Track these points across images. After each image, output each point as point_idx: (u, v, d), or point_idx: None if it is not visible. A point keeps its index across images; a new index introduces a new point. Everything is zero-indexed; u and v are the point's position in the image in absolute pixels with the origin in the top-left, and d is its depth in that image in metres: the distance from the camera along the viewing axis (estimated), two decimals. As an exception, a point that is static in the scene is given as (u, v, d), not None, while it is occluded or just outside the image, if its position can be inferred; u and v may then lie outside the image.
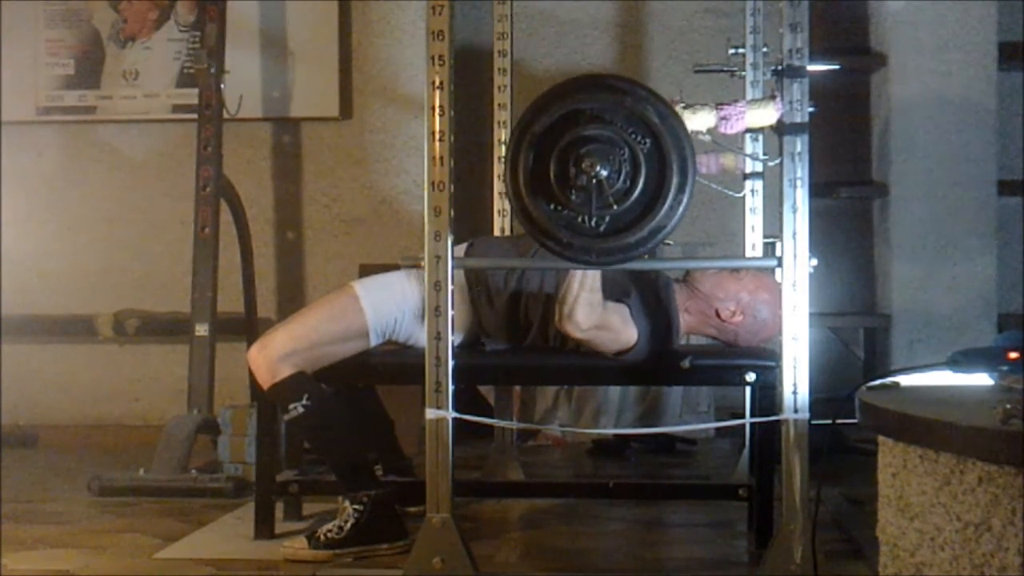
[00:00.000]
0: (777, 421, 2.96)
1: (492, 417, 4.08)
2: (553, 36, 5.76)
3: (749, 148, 4.09)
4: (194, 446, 4.42)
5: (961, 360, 2.31)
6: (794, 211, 2.91)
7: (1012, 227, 5.39)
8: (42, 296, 5.48)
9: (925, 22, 5.14)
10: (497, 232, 4.28)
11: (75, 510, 4.01)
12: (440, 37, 2.97)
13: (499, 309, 3.46)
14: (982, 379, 2.31)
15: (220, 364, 4.67)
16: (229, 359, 4.91)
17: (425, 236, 2.99)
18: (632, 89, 2.91)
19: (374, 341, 3.47)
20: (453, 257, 3.01)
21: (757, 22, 4.16)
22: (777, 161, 2.97)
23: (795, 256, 2.92)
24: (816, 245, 2.95)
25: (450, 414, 2.98)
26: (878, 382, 2.35)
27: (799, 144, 2.91)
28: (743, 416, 3.80)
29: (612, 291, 3.35)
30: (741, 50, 4.16)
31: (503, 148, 4.26)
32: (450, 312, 2.99)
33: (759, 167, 4.13)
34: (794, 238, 2.92)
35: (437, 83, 2.98)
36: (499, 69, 4.30)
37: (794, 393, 2.91)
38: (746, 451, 3.93)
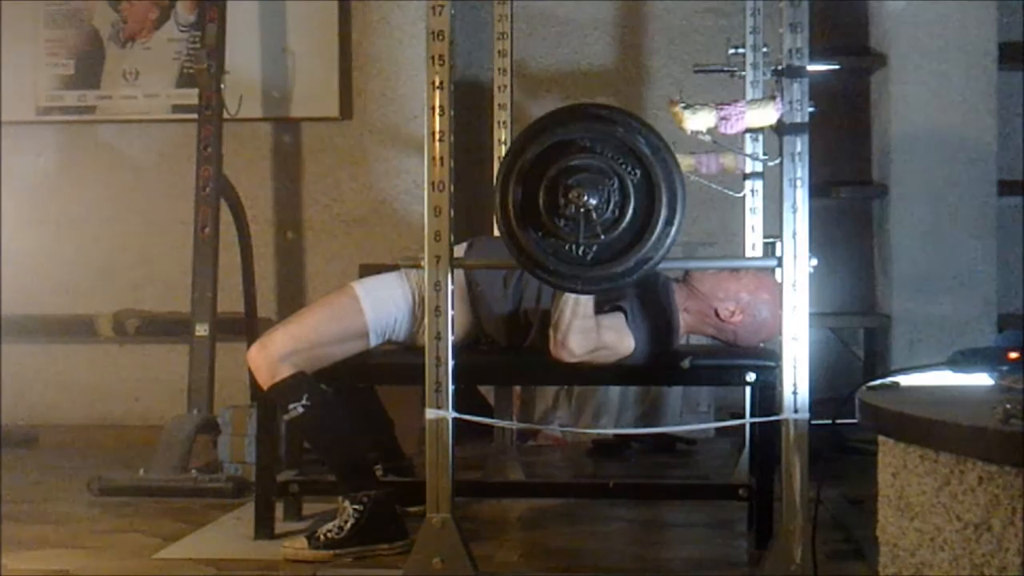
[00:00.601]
0: (777, 421, 2.96)
1: (492, 417, 4.08)
2: (553, 36, 5.76)
3: (749, 148, 4.09)
4: (194, 446, 4.43)
5: (961, 360, 2.31)
6: (794, 211, 2.91)
7: (1012, 227, 5.39)
8: (42, 296, 5.48)
9: (925, 22, 5.13)
10: (497, 232, 4.27)
11: (75, 510, 4.01)
12: (440, 37, 2.97)
13: (499, 309, 3.46)
14: (982, 379, 2.30)
15: (220, 364, 4.67)
16: (229, 359, 4.90)
17: (425, 236, 2.99)
18: (624, 120, 2.92)
19: (374, 341, 3.47)
20: (453, 257, 3.01)
21: (757, 22, 4.16)
22: (777, 161, 2.97)
23: (795, 256, 2.92)
24: (816, 245, 2.95)
25: (450, 414, 2.98)
26: (878, 382, 2.35)
27: (799, 144, 2.90)
28: (743, 416, 3.80)
29: (609, 293, 3.35)
30: (741, 50, 4.16)
31: (503, 148, 4.27)
32: (450, 312, 2.99)
33: (759, 167, 4.13)
34: (794, 238, 2.91)
35: (437, 83, 2.98)
36: (499, 69, 4.30)
37: (794, 393, 2.91)
38: (746, 451, 3.93)
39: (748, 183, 4.20)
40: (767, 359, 3.37)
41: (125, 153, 5.57)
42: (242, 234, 4.96)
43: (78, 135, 5.58)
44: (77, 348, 5.50)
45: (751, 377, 3.35)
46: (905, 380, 2.33)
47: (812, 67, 2.92)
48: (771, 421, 3.07)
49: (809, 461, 2.90)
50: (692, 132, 2.94)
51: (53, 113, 5.56)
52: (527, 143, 2.91)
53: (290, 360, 3.39)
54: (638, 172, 2.88)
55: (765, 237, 4.15)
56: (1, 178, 5.41)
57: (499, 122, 4.31)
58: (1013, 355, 2.25)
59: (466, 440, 4.07)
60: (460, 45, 5.17)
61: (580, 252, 2.89)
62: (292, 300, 5.40)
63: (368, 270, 4.51)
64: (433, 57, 2.98)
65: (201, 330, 4.60)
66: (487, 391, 4.63)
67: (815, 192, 3.08)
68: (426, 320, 3.01)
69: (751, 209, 4.19)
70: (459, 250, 3.35)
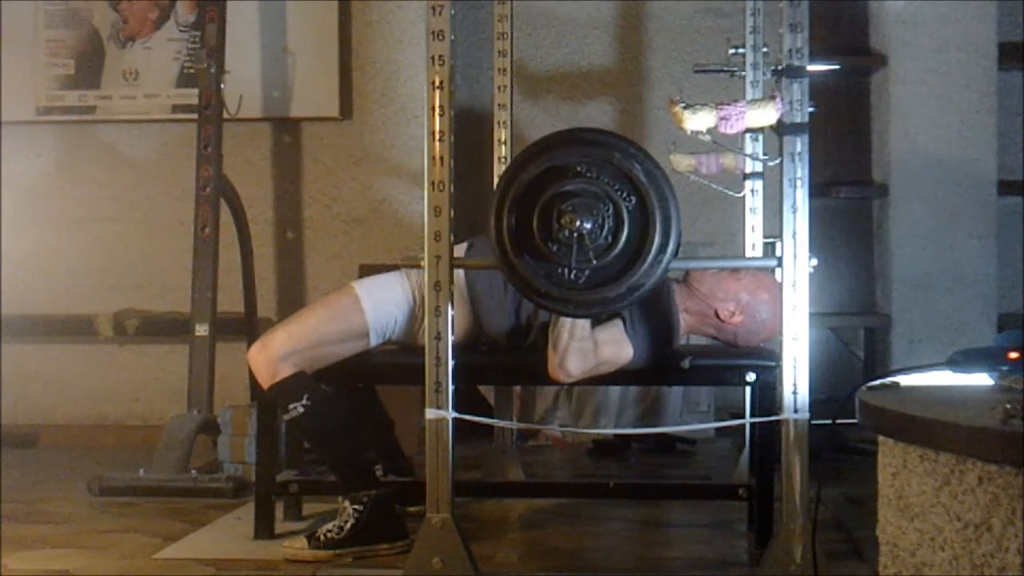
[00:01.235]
0: (777, 421, 2.96)
1: (492, 417, 4.08)
2: (553, 36, 5.76)
3: (749, 148, 4.09)
4: (194, 446, 4.43)
5: (961, 360, 2.31)
6: (794, 211, 2.91)
7: (1012, 227, 5.39)
8: (42, 296, 5.48)
9: (925, 22, 5.14)
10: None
11: (75, 510, 4.01)
12: (440, 37, 2.97)
13: (499, 310, 3.45)
14: (982, 379, 2.30)
15: (220, 364, 4.67)
16: (229, 359, 4.91)
17: (425, 236, 2.99)
18: (620, 145, 2.93)
19: (374, 341, 3.47)
20: (453, 257, 3.01)
21: (757, 22, 4.16)
22: (777, 161, 2.97)
23: (795, 256, 2.91)
24: (816, 245, 2.95)
25: (450, 414, 2.98)
26: (878, 382, 2.35)
27: (799, 144, 2.90)
28: (743, 416, 3.80)
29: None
30: (741, 50, 4.16)
31: (503, 148, 4.27)
32: (450, 312, 2.99)
33: (759, 167, 4.13)
34: (794, 238, 2.91)
35: (437, 83, 2.98)
36: (499, 69, 4.30)
37: (794, 393, 2.91)
38: (746, 451, 3.93)
39: (748, 183, 4.20)
40: (767, 359, 3.37)
41: (125, 153, 5.57)
42: (242, 234, 4.96)
43: (78, 135, 5.58)
44: (77, 348, 5.50)
45: (751, 377, 3.35)
46: (905, 380, 2.33)
47: (812, 67, 2.92)
48: (771, 421, 3.07)
49: (809, 461, 2.90)
50: (692, 132, 2.94)
51: (53, 113, 5.56)
52: (523, 167, 2.92)
53: (290, 360, 3.39)
54: (633, 198, 2.89)
55: (765, 237, 4.15)
56: (1, 178, 5.42)
57: (499, 122, 4.30)
58: (1013, 355, 2.25)
59: (466, 440, 4.07)
60: (460, 45, 5.17)
61: (572, 276, 2.90)
62: (292, 300, 5.40)
63: (368, 270, 4.52)
64: (433, 57, 2.98)
65: (201, 330, 4.60)
66: (487, 391, 4.64)
67: (815, 192, 3.08)
68: (426, 320, 3.02)
69: (751, 209, 4.19)
70: (459, 250, 3.34)
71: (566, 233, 2.85)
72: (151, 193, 5.53)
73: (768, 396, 3.28)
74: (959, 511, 1.92)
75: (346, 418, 3.52)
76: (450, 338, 2.99)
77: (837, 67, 4.04)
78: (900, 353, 5.09)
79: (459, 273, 3.28)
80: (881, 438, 2.16)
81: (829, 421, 2.44)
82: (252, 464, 3.99)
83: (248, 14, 5.38)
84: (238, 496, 4.14)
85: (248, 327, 4.92)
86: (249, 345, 3.59)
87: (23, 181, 5.50)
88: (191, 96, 5.06)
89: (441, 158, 2.98)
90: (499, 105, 4.31)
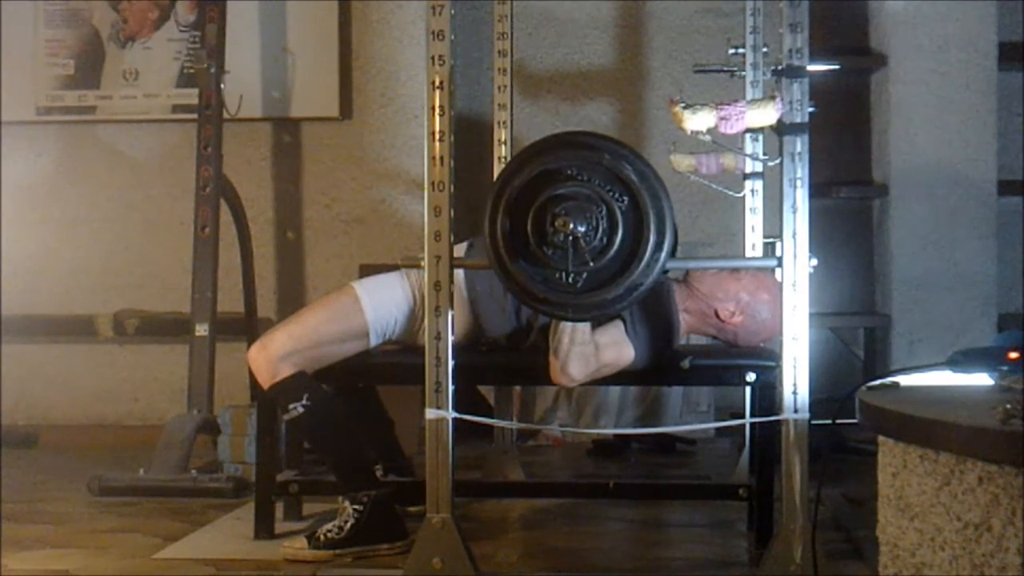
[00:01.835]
0: (777, 421, 2.96)
1: (492, 417, 4.08)
2: (553, 36, 5.76)
3: (749, 148, 4.09)
4: (194, 446, 4.43)
5: (961, 360, 2.31)
6: (794, 211, 2.91)
7: (1012, 227, 5.40)
8: (42, 296, 5.48)
9: (925, 22, 5.14)
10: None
11: (75, 510, 4.01)
12: (440, 37, 2.97)
13: (499, 310, 3.45)
14: (982, 379, 2.30)
15: (220, 364, 4.67)
16: (229, 359, 4.91)
17: (425, 236, 2.99)
18: (610, 147, 2.93)
19: (374, 341, 3.47)
20: (453, 257, 3.01)
21: (757, 22, 4.16)
22: (777, 161, 2.97)
23: (795, 256, 2.91)
24: (816, 245, 2.95)
25: (450, 414, 2.98)
26: (878, 382, 2.35)
27: (799, 144, 2.90)
28: (743, 416, 3.80)
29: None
30: (741, 50, 4.16)
31: (503, 148, 4.27)
32: (450, 312, 2.99)
33: (759, 167, 4.13)
34: (794, 238, 2.91)
35: (437, 83, 2.98)
36: (499, 69, 4.30)
37: (794, 393, 2.91)
38: (746, 451, 3.93)
39: (748, 183, 4.20)
40: (767, 359, 3.37)
41: (125, 153, 5.57)
42: (242, 234, 4.96)
43: (78, 135, 5.58)
44: (77, 348, 5.50)
45: (751, 377, 3.35)
46: (905, 380, 2.33)
47: (812, 67, 2.92)
48: (771, 421, 3.07)
49: (809, 461, 2.90)
50: (692, 132, 2.94)
51: (53, 113, 5.56)
52: (514, 173, 2.92)
53: (290, 360, 3.39)
54: (625, 199, 2.89)
55: (765, 237, 4.15)
56: (1, 178, 5.42)
57: (499, 122, 4.30)
58: (1013, 355, 2.25)
59: (466, 440, 4.07)
60: (460, 45, 5.17)
61: (570, 280, 2.89)
62: (292, 300, 5.40)
63: (368, 270, 4.51)
64: (433, 57, 2.98)
65: (201, 330, 4.60)
66: (487, 391, 4.64)
67: (815, 192, 3.08)
68: (426, 320, 3.02)
69: (751, 209, 4.19)
70: (459, 250, 3.34)
71: (561, 237, 2.85)
72: (151, 193, 5.53)
73: (768, 396, 3.28)
74: (959, 511, 1.92)
75: (346, 418, 3.52)
76: (450, 338, 2.99)
77: (837, 67, 4.03)
78: (900, 353, 5.09)
79: (459, 273, 3.28)
80: (881, 438, 2.16)
81: (829, 421, 2.44)
82: (252, 464, 3.99)
83: (248, 14, 5.39)
84: (238, 496, 4.14)
85: (248, 327, 4.92)
86: (249, 345, 3.59)
87: (23, 181, 5.50)
88: (191, 96, 5.06)
89: (441, 158, 2.98)
90: (499, 105, 4.31)
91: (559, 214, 2.85)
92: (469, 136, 5.13)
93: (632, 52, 5.77)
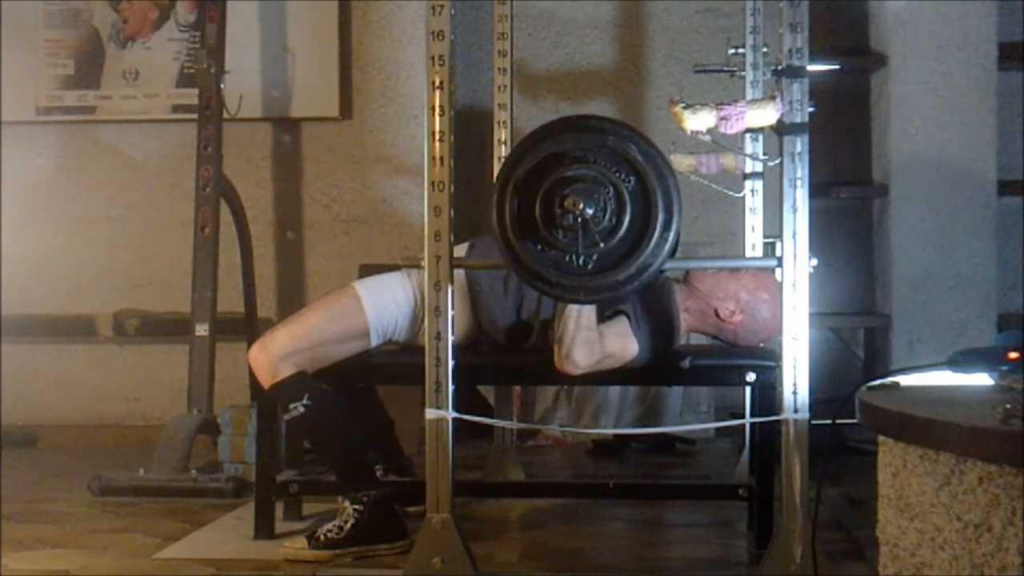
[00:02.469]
0: (777, 421, 2.96)
1: (492, 417, 4.08)
2: (553, 36, 5.76)
3: (749, 148, 4.09)
4: (194, 446, 4.43)
5: (961, 360, 2.31)
6: (794, 211, 2.91)
7: (1012, 227, 5.40)
8: (42, 296, 5.48)
9: (925, 22, 5.14)
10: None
11: (75, 510, 4.01)
12: (440, 37, 2.97)
13: (500, 310, 3.45)
14: (982, 379, 2.30)
15: (220, 364, 4.67)
16: (229, 359, 4.91)
17: (425, 236, 2.99)
18: (614, 129, 2.93)
19: (375, 341, 3.47)
20: (453, 257, 3.01)
21: (757, 22, 4.16)
22: (777, 161, 2.97)
23: (795, 256, 2.92)
24: (816, 245, 2.95)
25: (450, 414, 2.98)
26: (878, 382, 2.35)
27: (799, 144, 2.91)
28: (743, 416, 3.80)
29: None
30: (741, 50, 4.16)
31: (503, 148, 4.27)
32: (450, 312, 2.99)
33: (759, 167, 4.13)
34: (794, 238, 2.91)
35: (437, 83, 2.98)
36: (499, 69, 4.30)
37: (794, 393, 2.91)
38: (746, 451, 3.93)
39: (748, 183, 4.20)
40: (767, 359, 3.37)
41: (125, 153, 5.57)
42: (242, 234, 4.96)
43: (78, 135, 5.58)
44: (77, 348, 5.50)
45: (751, 377, 3.35)
46: (905, 380, 2.33)
47: (812, 67, 2.92)
48: (771, 421, 3.07)
49: (809, 461, 2.90)
50: (692, 132, 2.94)
51: (53, 113, 5.56)
52: (519, 158, 2.92)
53: (291, 359, 3.39)
54: (632, 179, 2.89)
55: (765, 237, 4.15)
56: (1, 178, 5.42)
57: (499, 122, 4.31)
58: (1013, 355, 2.25)
59: (466, 440, 4.07)
60: (460, 45, 5.17)
61: (581, 262, 2.89)
62: (292, 300, 5.40)
63: (368, 270, 4.51)
64: (433, 57, 2.98)
65: (201, 330, 4.60)
66: (487, 391, 4.64)
67: (815, 192, 3.08)
68: (426, 320, 3.01)
69: (751, 209, 4.19)
70: (461, 250, 3.35)
71: (570, 219, 2.85)
72: (151, 193, 5.53)
73: (768, 396, 3.28)
74: (959, 511, 1.92)
75: (346, 418, 3.52)
76: (450, 338, 2.99)
77: (837, 67, 4.03)
78: (900, 353, 5.09)
79: (460, 273, 3.28)
80: (881, 438, 2.16)
81: (829, 421, 2.44)
82: (252, 464, 3.99)
83: (248, 14, 5.39)
84: (238, 496, 4.14)
85: (248, 327, 4.92)
86: (249, 345, 3.59)
87: (23, 181, 5.50)
88: (191, 96, 5.06)
89: (441, 158, 2.98)
90: (499, 105, 4.32)
91: (567, 196, 2.85)
92: (469, 136, 5.13)
93: (632, 52, 5.77)
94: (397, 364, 3.50)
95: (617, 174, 2.88)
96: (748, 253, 4.17)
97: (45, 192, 5.55)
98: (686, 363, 3.36)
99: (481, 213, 4.48)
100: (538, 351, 3.43)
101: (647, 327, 3.33)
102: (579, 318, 3.22)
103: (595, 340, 3.24)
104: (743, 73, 4.16)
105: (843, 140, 5.51)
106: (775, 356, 3.29)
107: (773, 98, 2.92)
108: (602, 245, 2.88)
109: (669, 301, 3.46)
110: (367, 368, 3.50)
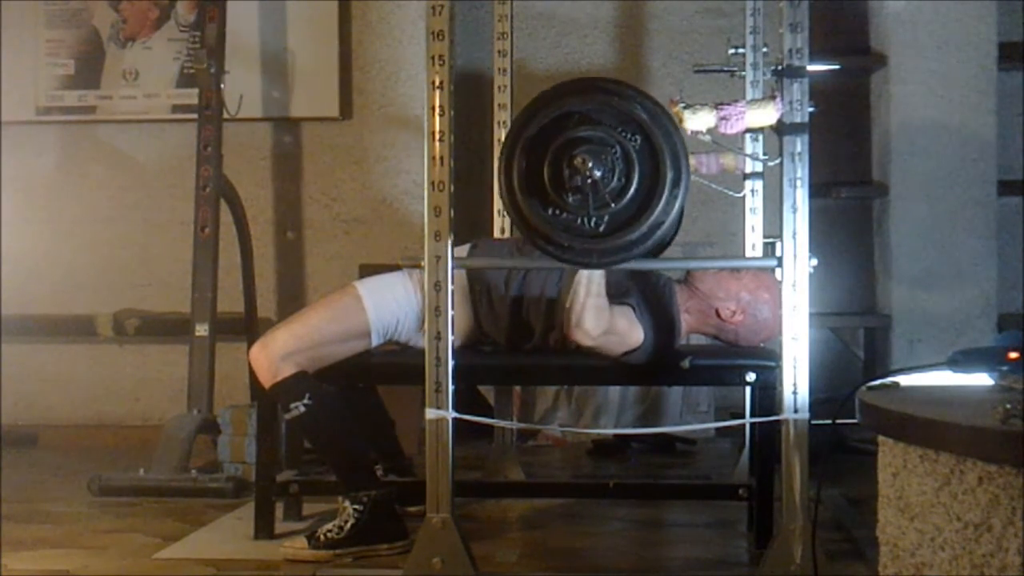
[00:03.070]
0: (777, 421, 2.96)
1: (492, 417, 4.08)
2: (553, 36, 5.76)
3: (749, 148, 4.09)
4: (194, 446, 4.43)
5: (961, 360, 2.31)
6: (794, 211, 2.91)
7: (1012, 227, 5.39)
8: (42, 296, 5.48)
9: (925, 22, 5.14)
10: (497, 232, 4.29)
11: (75, 510, 4.01)
12: (440, 37, 2.97)
13: (500, 312, 3.45)
14: (982, 379, 2.30)
15: (220, 364, 4.67)
16: (229, 359, 4.91)
17: (425, 236, 2.99)
18: (619, 89, 2.93)
19: (375, 341, 3.47)
20: (453, 257, 3.01)
21: (757, 22, 4.16)
22: (777, 161, 2.97)
23: (795, 256, 2.92)
24: (816, 245, 2.95)
25: (450, 414, 2.98)
26: (878, 382, 2.35)
27: (799, 144, 2.91)
28: (743, 416, 3.80)
29: (613, 293, 3.35)
30: (741, 50, 4.16)
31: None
32: (450, 312, 2.99)
33: (759, 167, 4.13)
34: (794, 238, 2.92)
35: (437, 83, 2.98)
36: (499, 69, 4.30)
37: (794, 393, 2.91)
38: (746, 451, 3.93)
39: (748, 183, 4.20)
40: (767, 359, 3.37)
41: (125, 153, 5.57)
42: (242, 234, 4.96)
43: (78, 135, 5.58)
44: (77, 348, 5.50)
45: (751, 377, 3.35)
46: (905, 380, 2.33)
47: (812, 67, 2.92)
48: (771, 421, 3.07)
49: (809, 461, 2.90)
50: (692, 132, 2.94)
51: (53, 113, 5.56)
52: (527, 120, 2.91)
53: (292, 359, 3.39)
54: (639, 138, 2.89)
55: (765, 237, 4.15)
56: (1, 178, 5.42)
57: (499, 122, 4.31)
58: (1013, 355, 2.25)
59: (466, 440, 4.07)
60: (460, 45, 5.17)
61: (592, 224, 2.88)
62: (292, 300, 5.40)
63: (368, 270, 4.51)
64: (433, 57, 2.98)
65: (201, 330, 4.60)
66: (487, 391, 4.64)
67: (815, 192, 3.08)
68: (426, 320, 3.01)
69: (751, 209, 4.19)
70: (462, 251, 3.34)
71: (579, 180, 2.84)
72: (151, 193, 5.53)
73: (768, 396, 3.28)
74: (959, 511, 1.92)
75: (347, 418, 3.52)
76: (450, 338, 2.99)
77: (837, 67, 4.03)
78: (900, 353, 5.09)
79: (460, 273, 3.28)
80: (881, 438, 2.16)
81: (829, 421, 2.44)
82: (252, 464, 3.99)
83: (248, 14, 5.38)
84: (238, 496, 4.14)
85: (248, 327, 4.92)
86: (249, 345, 3.59)
87: (23, 181, 5.50)
88: (191, 96, 5.06)
89: (441, 158, 2.98)
90: (499, 105, 4.32)
91: (576, 157, 2.84)
92: (469, 135, 5.13)
93: (632, 52, 5.77)
94: (397, 364, 3.50)
95: (623, 134, 2.88)
96: (748, 253, 4.17)
97: (45, 192, 5.55)
98: (686, 363, 3.36)
99: (481, 213, 4.49)
100: (538, 352, 3.43)
101: (651, 322, 3.34)
102: (589, 285, 3.23)
103: (604, 308, 3.26)
104: (743, 73, 4.16)
105: (843, 140, 5.51)
106: (775, 356, 3.29)
107: (773, 98, 2.92)
108: (612, 205, 2.87)
109: (670, 301, 3.47)
110: (367, 368, 3.51)
